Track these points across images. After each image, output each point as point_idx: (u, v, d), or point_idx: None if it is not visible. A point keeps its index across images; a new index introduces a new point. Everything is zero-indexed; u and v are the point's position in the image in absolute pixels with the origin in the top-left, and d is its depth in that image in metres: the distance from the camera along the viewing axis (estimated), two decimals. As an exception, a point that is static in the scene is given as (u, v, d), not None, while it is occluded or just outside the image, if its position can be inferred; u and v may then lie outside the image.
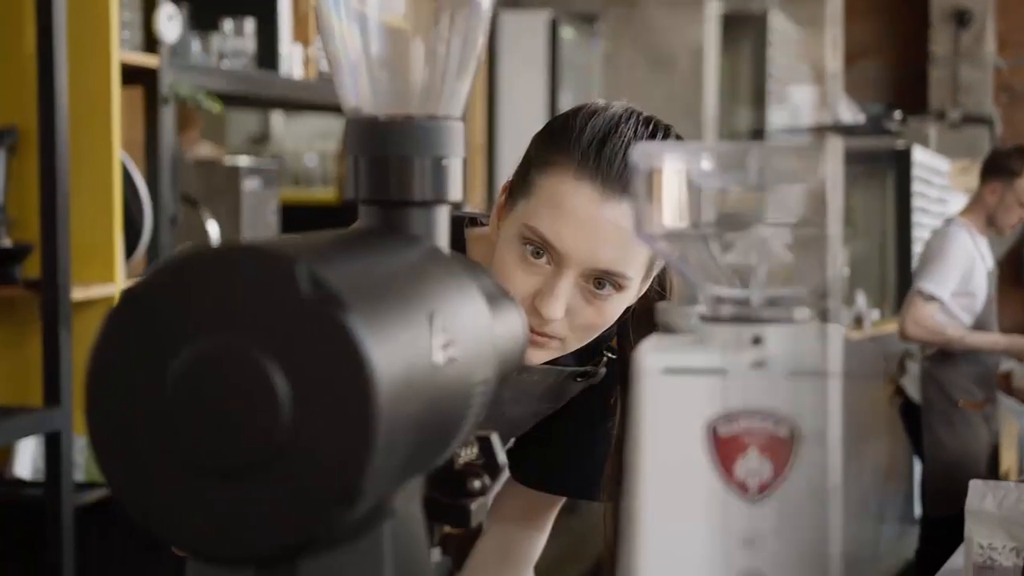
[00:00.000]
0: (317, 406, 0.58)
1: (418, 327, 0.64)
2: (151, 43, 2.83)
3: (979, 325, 4.53)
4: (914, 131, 7.26)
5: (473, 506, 0.82)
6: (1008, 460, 5.20)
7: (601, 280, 1.24)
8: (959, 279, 4.56)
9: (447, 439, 0.70)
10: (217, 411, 0.58)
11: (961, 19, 7.96)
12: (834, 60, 7.40)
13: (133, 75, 2.82)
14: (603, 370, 1.43)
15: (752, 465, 0.64)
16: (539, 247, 1.23)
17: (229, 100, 3.52)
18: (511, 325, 0.81)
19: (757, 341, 0.65)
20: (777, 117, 6.13)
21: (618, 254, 1.23)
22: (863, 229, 6.84)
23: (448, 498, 0.82)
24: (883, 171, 7.18)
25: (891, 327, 6.62)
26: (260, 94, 3.43)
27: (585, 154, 1.23)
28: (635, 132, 1.24)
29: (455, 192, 0.76)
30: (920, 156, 7.33)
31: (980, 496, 1.90)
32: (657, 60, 5.91)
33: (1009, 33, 8.22)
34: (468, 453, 0.83)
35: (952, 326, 4.56)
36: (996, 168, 4.55)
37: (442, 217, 0.76)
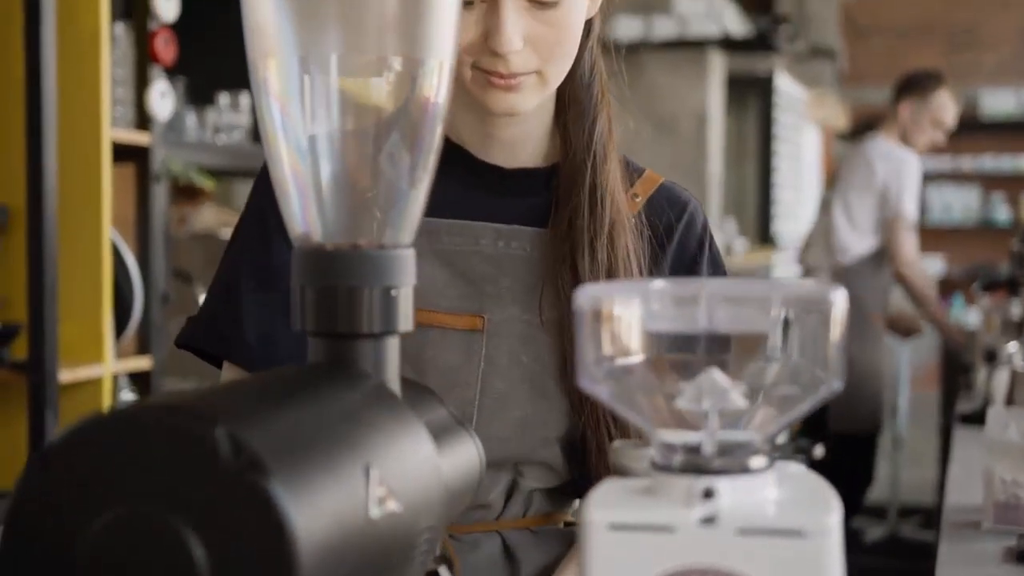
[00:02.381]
0: (237, 578, 0.54)
1: (352, 482, 0.61)
2: (144, 119, 2.82)
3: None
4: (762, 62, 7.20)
5: (433, 645, 0.79)
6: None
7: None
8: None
9: (389, 591, 0.67)
10: (132, 582, 0.55)
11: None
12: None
13: (126, 152, 2.80)
14: None
15: (703, 628, 0.61)
16: None
17: (224, 174, 3.51)
18: (463, 457, 0.78)
19: (708, 494, 0.62)
20: (662, 26, 5.92)
21: None
22: (729, 155, 6.77)
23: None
24: (746, 96, 7.09)
25: (760, 258, 6.53)
26: (255, 168, 3.41)
27: None
28: None
29: (405, 323, 0.73)
30: (782, 84, 7.22)
31: (1001, 424, 1.60)
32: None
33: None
34: (421, 592, 0.80)
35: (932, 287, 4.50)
36: (911, 86, 4.54)
37: (392, 350, 0.73)
